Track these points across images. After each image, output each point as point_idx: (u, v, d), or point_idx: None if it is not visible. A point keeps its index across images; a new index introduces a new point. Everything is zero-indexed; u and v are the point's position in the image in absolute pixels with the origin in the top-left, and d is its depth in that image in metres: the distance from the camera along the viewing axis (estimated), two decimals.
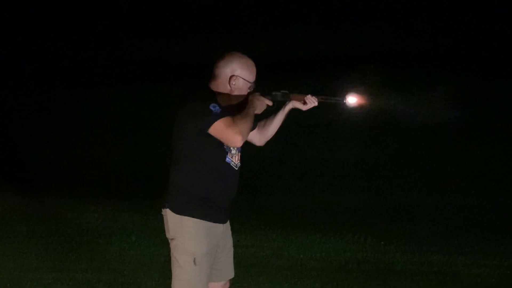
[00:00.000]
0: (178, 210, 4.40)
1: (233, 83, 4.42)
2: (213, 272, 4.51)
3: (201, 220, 4.39)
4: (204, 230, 4.40)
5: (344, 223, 7.97)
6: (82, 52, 18.34)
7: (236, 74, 4.42)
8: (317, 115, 8.68)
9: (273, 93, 4.59)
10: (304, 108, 4.64)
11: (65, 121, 12.90)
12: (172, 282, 4.47)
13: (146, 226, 7.84)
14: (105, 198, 8.97)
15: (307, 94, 4.61)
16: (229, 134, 4.27)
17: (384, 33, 18.27)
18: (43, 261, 7.05)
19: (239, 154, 4.50)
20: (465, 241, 7.36)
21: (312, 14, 20.35)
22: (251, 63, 4.48)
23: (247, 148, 4.56)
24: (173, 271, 4.46)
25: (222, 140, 4.31)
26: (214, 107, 4.28)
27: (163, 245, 6.36)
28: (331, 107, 5.41)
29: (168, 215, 4.44)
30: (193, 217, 4.38)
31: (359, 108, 4.74)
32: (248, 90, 4.47)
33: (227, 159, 4.42)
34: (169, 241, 4.48)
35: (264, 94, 4.51)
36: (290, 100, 4.63)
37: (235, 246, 4.71)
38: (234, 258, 4.69)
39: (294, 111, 4.67)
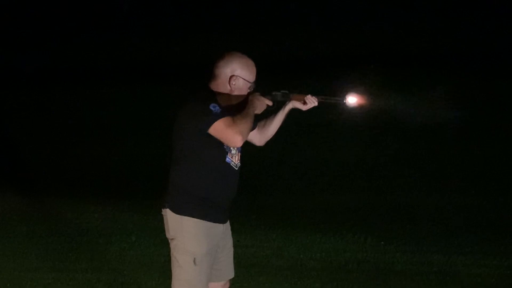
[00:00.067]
0: (178, 210, 4.40)
1: (233, 83, 4.42)
2: (213, 272, 4.51)
3: (201, 220, 4.39)
4: (204, 230, 4.40)
5: (344, 223, 7.96)
6: (82, 52, 18.33)
7: (236, 74, 4.42)
8: (317, 115, 8.68)
9: (273, 93, 4.59)
10: (304, 108, 4.64)
11: (65, 121, 12.89)
12: (172, 282, 4.47)
13: (146, 226, 7.84)
14: (105, 198, 8.97)
15: (307, 94, 4.61)
16: (229, 134, 4.27)
17: (384, 33, 18.26)
18: (43, 261, 7.05)
19: (239, 154, 4.50)
20: (465, 241, 7.36)
21: (312, 14, 20.33)
22: (251, 63, 4.48)
23: (247, 148, 4.56)
24: (173, 271, 4.46)
25: (222, 140, 4.31)
26: (214, 107, 4.28)
27: (163, 245, 6.36)
28: (331, 107, 5.40)
29: (168, 215, 4.44)
30: (193, 217, 4.38)
31: (359, 108, 4.74)
32: (248, 90, 4.46)
33: (227, 159, 4.42)
34: (169, 241, 4.48)
35: (264, 94, 4.51)
36: (290, 100, 4.63)
37: (235, 246, 4.70)
38: (234, 258, 4.69)
39: (294, 111, 4.67)
